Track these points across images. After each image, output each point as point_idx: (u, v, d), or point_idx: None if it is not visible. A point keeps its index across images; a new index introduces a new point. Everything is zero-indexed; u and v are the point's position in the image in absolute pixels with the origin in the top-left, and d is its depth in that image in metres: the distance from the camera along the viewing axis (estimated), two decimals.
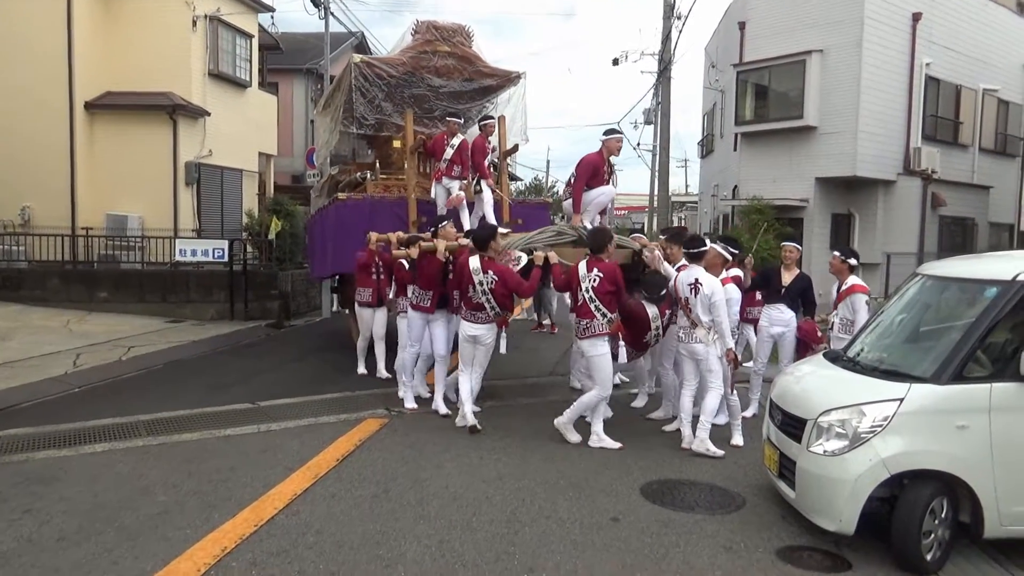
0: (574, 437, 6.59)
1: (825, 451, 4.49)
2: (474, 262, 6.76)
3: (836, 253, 7.41)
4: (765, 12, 17.59)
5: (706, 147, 24.15)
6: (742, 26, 18.07)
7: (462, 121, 9.49)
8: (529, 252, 7.12)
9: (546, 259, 6.96)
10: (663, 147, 20.11)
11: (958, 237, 18.40)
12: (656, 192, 20.82)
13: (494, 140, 10.04)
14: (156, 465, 5.85)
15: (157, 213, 16.12)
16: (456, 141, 9.13)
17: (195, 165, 16.54)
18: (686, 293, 6.52)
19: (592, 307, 6.38)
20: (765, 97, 17.66)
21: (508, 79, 10.56)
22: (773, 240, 15.14)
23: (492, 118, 9.62)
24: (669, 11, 19.86)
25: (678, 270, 7.00)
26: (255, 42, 19.00)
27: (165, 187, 16.18)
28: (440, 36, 10.17)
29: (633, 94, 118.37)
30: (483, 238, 6.92)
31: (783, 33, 17.03)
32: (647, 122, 34.83)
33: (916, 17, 16.88)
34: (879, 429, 4.33)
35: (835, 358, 5.30)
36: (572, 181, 7.87)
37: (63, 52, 15.58)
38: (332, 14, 19.72)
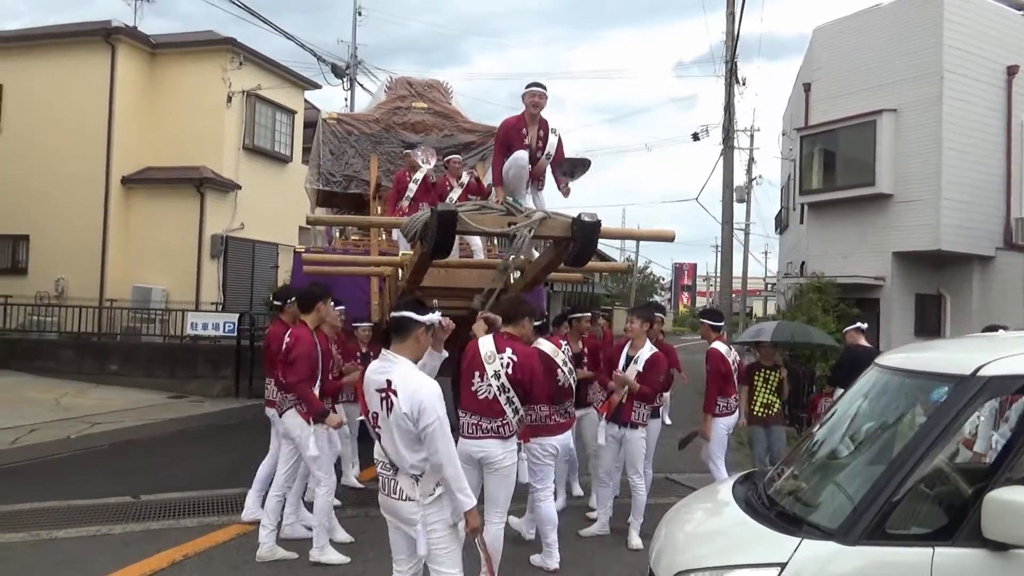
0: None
1: None
2: (486, 344, 4.79)
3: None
4: (831, 71, 15.84)
5: (782, 223, 22.11)
6: (807, 87, 16.40)
7: (420, 154, 8.50)
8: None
9: None
10: (726, 221, 18.33)
11: None
12: (719, 271, 18.90)
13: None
14: None
15: (182, 286, 15.92)
16: (419, 175, 8.12)
17: (221, 238, 16.33)
18: None
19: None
20: (833, 163, 15.73)
21: (491, 134, 9.63)
22: (834, 323, 13.08)
23: (459, 155, 8.38)
24: (731, 76, 18.41)
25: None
26: (299, 118, 18.99)
27: (191, 260, 16.01)
28: (415, 92, 9.66)
29: (738, 171, 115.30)
30: (511, 314, 4.95)
31: (851, 93, 15.18)
32: (739, 200, 32.90)
33: (1012, 71, 14.67)
34: None
35: (753, 483, 3.62)
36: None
37: (103, 127, 15.94)
38: (359, 84, 19.54)
